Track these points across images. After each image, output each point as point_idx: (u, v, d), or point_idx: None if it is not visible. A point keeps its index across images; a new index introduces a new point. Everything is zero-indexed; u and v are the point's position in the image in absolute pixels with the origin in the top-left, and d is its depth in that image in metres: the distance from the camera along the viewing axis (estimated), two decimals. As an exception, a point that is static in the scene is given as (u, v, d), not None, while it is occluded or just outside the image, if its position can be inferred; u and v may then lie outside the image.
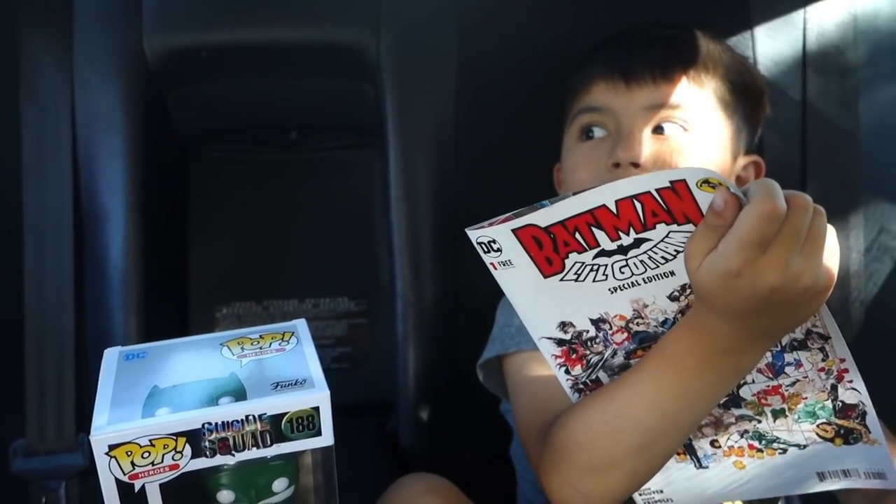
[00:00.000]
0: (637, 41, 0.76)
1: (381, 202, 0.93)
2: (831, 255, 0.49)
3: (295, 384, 0.51)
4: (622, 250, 0.50)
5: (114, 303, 0.82)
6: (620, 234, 0.50)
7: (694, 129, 0.73)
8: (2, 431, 0.83)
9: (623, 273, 0.52)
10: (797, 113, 0.90)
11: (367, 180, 0.97)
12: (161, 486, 0.48)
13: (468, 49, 0.88)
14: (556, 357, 0.57)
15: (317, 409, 0.50)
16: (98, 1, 0.85)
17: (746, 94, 0.78)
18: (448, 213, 0.87)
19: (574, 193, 0.48)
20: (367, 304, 0.98)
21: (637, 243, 0.50)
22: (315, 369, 0.52)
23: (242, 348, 0.55)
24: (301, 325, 0.58)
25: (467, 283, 0.88)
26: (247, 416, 0.49)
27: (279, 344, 0.55)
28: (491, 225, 0.51)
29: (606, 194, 0.48)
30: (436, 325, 0.86)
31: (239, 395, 0.50)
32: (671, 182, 0.47)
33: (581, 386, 0.59)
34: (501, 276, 0.53)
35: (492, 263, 0.53)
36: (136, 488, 0.48)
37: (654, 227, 0.49)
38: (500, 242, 0.51)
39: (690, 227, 0.49)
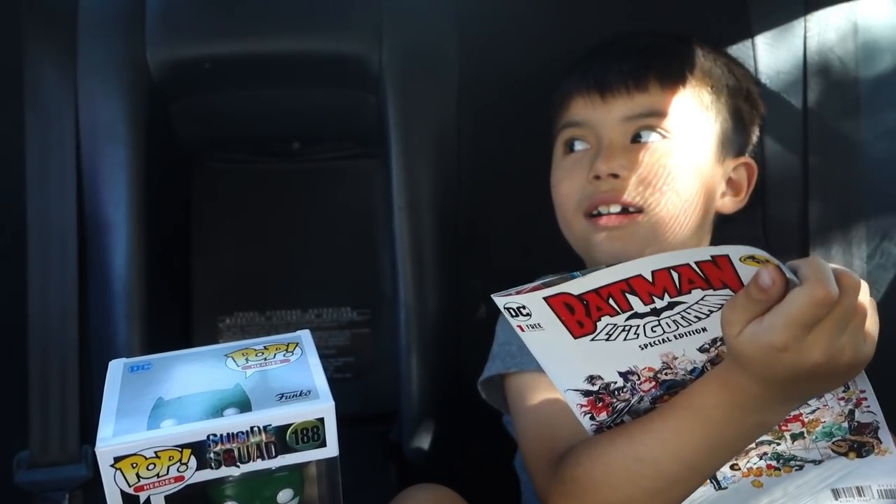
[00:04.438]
0: (611, 53, 0.77)
1: (383, 212, 0.93)
2: (873, 326, 0.50)
3: (300, 395, 0.51)
4: (655, 312, 0.50)
5: (117, 313, 0.82)
6: (654, 298, 0.49)
7: (674, 135, 0.74)
8: (5, 443, 0.82)
9: (654, 332, 0.52)
10: (798, 121, 0.90)
11: (370, 190, 0.97)
12: (166, 497, 0.48)
13: (470, 58, 0.88)
14: (582, 406, 0.58)
15: (322, 420, 0.50)
16: (102, 12, 0.85)
17: (731, 94, 0.78)
18: (450, 222, 0.88)
19: (608, 266, 0.48)
20: (369, 313, 0.98)
21: (671, 306, 0.50)
22: (320, 380, 0.52)
23: (247, 359, 0.55)
24: (305, 335, 0.58)
25: (470, 292, 0.89)
26: (252, 428, 0.49)
27: (284, 355, 0.55)
28: (519, 293, 0.51)
29: (643, 266, 0.48)
30: (439, 334, 0.86)
31: (244, 406, 0.50)
32: (712, 256, 0.47)
33: (605, 429, 0.59)
34: (529, 337, 0.53)
35: (519, 326, 0.53)
36: (142, 500, 0.48)
37: (690, 293, 0.49)
38: (529, 308, 0.51)
39: (728, 292, 0.49)
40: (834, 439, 0.58)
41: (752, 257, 0.47)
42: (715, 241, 0.80)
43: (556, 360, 0.55)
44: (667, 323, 0.51)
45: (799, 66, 0.90)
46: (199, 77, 0.86)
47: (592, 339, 0.52)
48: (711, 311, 0.50)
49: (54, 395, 0.82)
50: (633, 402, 0.57)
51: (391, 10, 0.86)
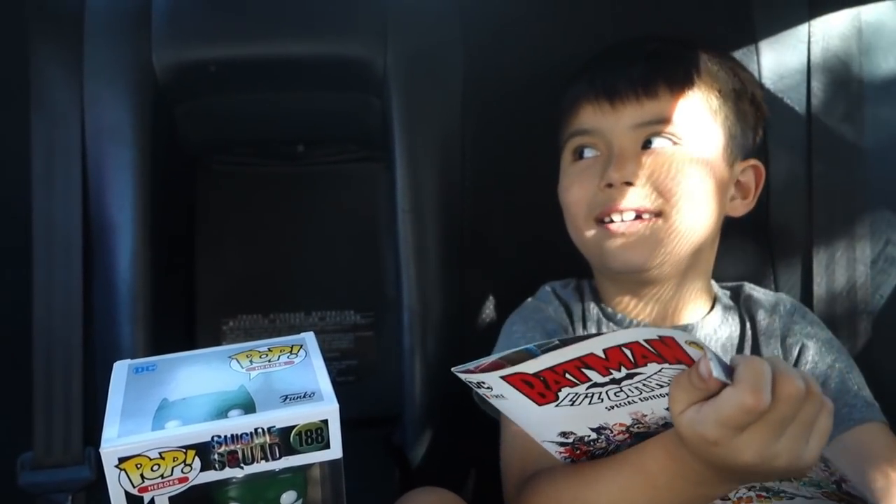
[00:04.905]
0: (618, 60, 0.77)
1: (387, 215, 0.93)
2: (821, 431, 0.49)
3: (304, 397, 0.51)
4: (615, 381, 0.51)
5: (122, 315, 0.82)
6: (611, 371, 0.50)
7: (684, 141, 0.74)
8: (9, 444, 0.83)
9: (618, 396, 0.52)
10: (802, 125, 0.90)
11: (374, 193, 0.97)
12: (170, 498, 0.49)
13: (474, 61, 0.89)
14: (561, 452, 0.59)
15: (325, 421, 0.50)
16: (108, 15, 0.86)
17: (737, 98, 0.78)
18: (454, 226, 0.88)
19: (560, 341, 0.49)
20: (373, 316, 0.98)
21: (629, 376, 0.50)
22: (324, 382, 0.52)
23: (251, 361, 0.55)
24: (310, 338, 0.58)
25: (473, 295, 0.89)
26: (256, 429, 0.49)
27: (288, 357, 0.56)
28: (478, 369, 0.52)
29: (594, 345, 0.48)
30: (442, 337, 0.86)
31: (248, 408, 0.50)
32: (660, 336, 0.48)
33: None
34: (496, 403, 0.54)
35: (486, 395, 0.54)
36: (146, 501, 0.48)
37: (646, 365, 0.50)
38: (489, 383, 0.52)
39: (683, 366, 0.49)
40: (822, 490, 0.58)
41: (695, 343, 0.47)
42: (723, 246, 0.80)
43: (527, 421, 0.56)
44: (629, 389, 0.52)
45: (803, 71, 0.90)
46: (204, 80, 0.87)
47: (557, 406, 0.53)
48: (671, 381, 0.51)
49: (58, 396, 0.82)
50: (610, 449, 0.58)
51: (396, 14, 0.86)
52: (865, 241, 0.90)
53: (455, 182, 0.88)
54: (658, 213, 0.73)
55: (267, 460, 0.49)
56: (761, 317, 0.78)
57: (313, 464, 0.51)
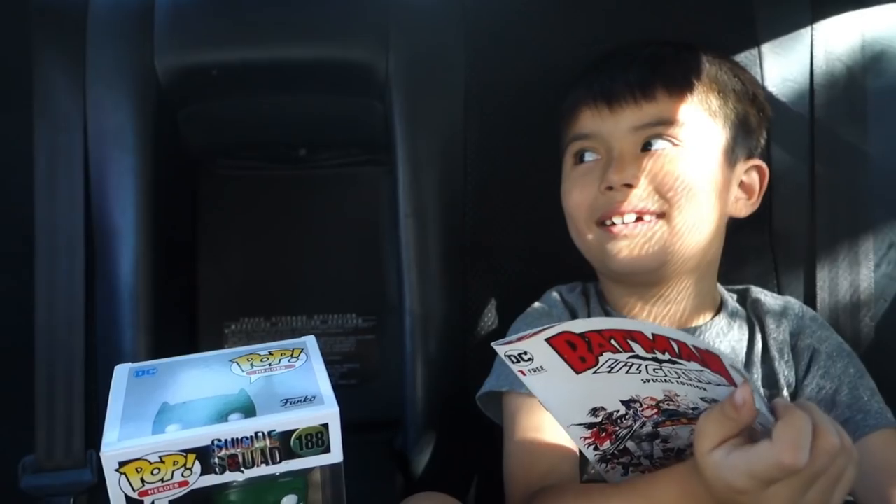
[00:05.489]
0: (616, 64, 0.77)
1: (389, 218, 0.93)
2: (846, 486, 0.49)
3: (304, 401, 0.51)
4: (656, 360, 0.51)
5: (123, 319, 0.82)
6: (656, 351, 0.50)
7: (684, 142, 0.74)
8: (11, 447, 0.83)
9: (657, 373, 0.52)
10: (805, 130, 0.89)
11: (376, 197, 0.97)
12: (171, 502, 0.48)
13: (477, 65, 0.89)
14: (585, 438, 0.58)
15: (326, 425, 0.50)
16: (111, 19, 0.86)
17: (738, 99, 0.78)
18: (457, 230, 0.88)
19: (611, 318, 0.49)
20: (375, 320, 0.98)
21: (671, 362, 0.50)
22: (324, 386, 0.52)
23: (252, 365, 0.55)
24: (310, 341, 0.58)
25: (475, 299, 0.88)
26: (256, 433, 0.49)
27: (288, 360, 0.56)
28: (521, 339, 0.52)
29: (645, 327, 0.49)
30: (444, 341, 0.86)
31: (248, 411, 0.50)
32: (708, 349, 0.48)
33: (609, 457, 0.59)
34: (531, 381, 0.54)
35: (521, 371, 0.54)
36: (146, 505, 0.48)
37: (689, 362, 0.50)
38: (531, 352, 0.52)
39: (723, 379, 0.49)
40: None
41: (738, 370, 0.47)
42: (725, 250, 0.80)
43: (559, 399, 0.56)
44: (668, 370, 0.51)
45: (806, 75, 0.90)
46: (207, 84, 0.87)
47: (595, 372, 0.53)
48: (710, 383, 0.51)
49: (60, 399, 0.82)
50: (635, 427, 0.57)
51: (398, 18, 0.86)
52: (869, 244, 0.90)
53: (457, 186, 0.88)
54: (660, 215, 0.73)
55: (267, 464, 0.49)
56: (770, 322, 0.78)
57: (314, 468, 0.51)
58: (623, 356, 0.51)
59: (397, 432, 0.89)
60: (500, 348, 0.52)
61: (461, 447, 0.86)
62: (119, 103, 0.84)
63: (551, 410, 0.57)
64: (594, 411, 0.56)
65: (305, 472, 0.51)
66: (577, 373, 0.52)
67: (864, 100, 0.90)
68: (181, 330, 0.94)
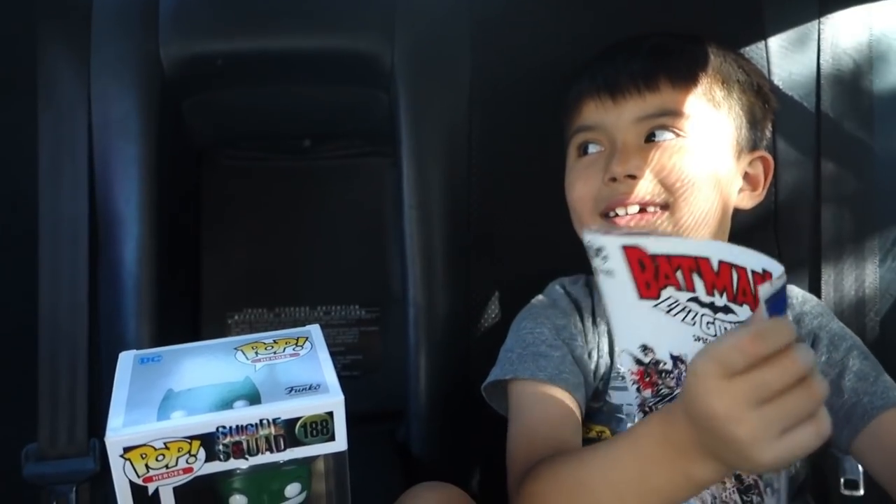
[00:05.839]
0: (619, 55, 0.77)
1: (393, 210, 0.93)
2: (797, 444, 0.46)
3: (309, 389, 0.51)
4: (713, 308, 0.51)
5: (127, 308, 0.82)
6: (716, 292, 0.50)
7: (688, 133, 0.74)
8: (14, 436, 0.83)
9: (709, 330, 0.52)
10: (811, 125, 0.89)
11: (380, 188, 0.97)
12: (175, 489, 0.48)
13: (482, 56, 0.88)
14: (633, 373, 0.58)
15: (331, 413, 0.50)
16: (116, 9, 0.86)
17: (742, 90, 0.78)
18: (461, 221, 0.87)
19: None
20: (378, 312, 0.98)
21: (726, 310, 0.51)
22: (329, 375, 0.52)
23: (257, 353, 0.55)
24: (315, 330, 0.58)
25: (479, 291, 0.88)
26: (261, 420, 0.49)
27: (293, 349, 0.56)
28: (606, 234, 0.53)
29: (713, 251, 0.49)
30: (447, 333, 0.86)
31: (253, 399, 0.50)
32: (763, 269, 0.47)
33: (647, 409, 0.59)
34: (602, 281, 0.55)
35: (596, 268, 0.55)
36: (150, 491, 0.48)
37: (742, 306, 0.50)
38: (608, 252, 0.53)
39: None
40: None
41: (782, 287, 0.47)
42: (730, 242, 0.80)
43: (619, 315, 0.56)
44: (721, 326, 0.52)
45: (812, 70, 0.89)
46: (211, 74, 0.87)
47: (655, 306, 0.53)
48: None
49: (63, 388, 0.82)
50: (675, 391, 0.57)
51: (403, 8, 0.86)
52: (874, 241, 0.89)
53: (461, 177, 0.88)
54: (664, 206, 0.73)
55: (272, 452, 0.49)
56: None
57: (318, 457, 0.51)
58: (683, 297, 0.52)
59: (400, 424, 0.89)
60: (587, 235, 0.53)
61: (464, 439, 0.86)
62: (124, 93, 0.84)
63: (613, 323, 0.57)
64: (645, 349, 0.56)
65: (309, 461, 0.51)
66: (640, 297, 0.53)
67: (870, 95, 0.90)
68: (184, 319, 0.94)
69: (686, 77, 0.74)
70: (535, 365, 0.72)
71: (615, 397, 0.74)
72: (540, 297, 0.81)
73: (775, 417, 0.46)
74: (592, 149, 0.77)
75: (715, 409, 0.47)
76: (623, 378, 0.74)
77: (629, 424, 0.73)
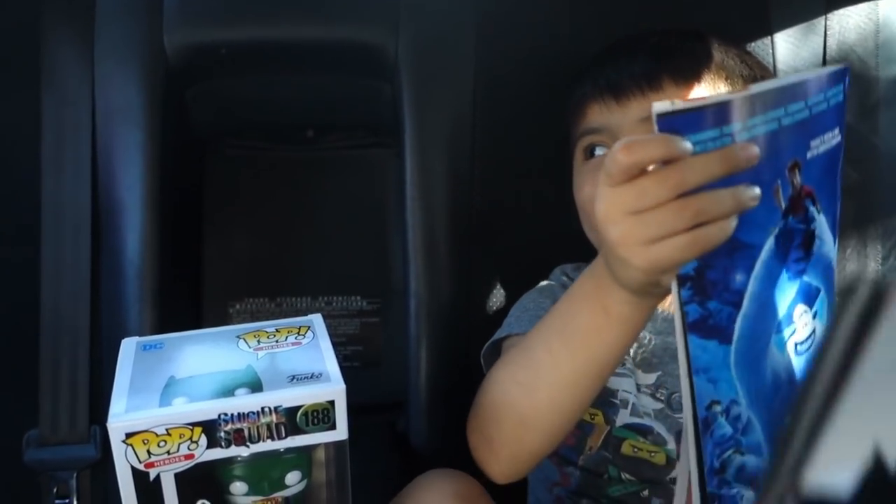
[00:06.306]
0: (620, 56, 0.77)
1: (396, 202, 0.93)
2: (676, 248, 0.47)
3: (311, 377, 0.51)
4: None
5: (129, 296, 0.82)
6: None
7: None
8: (15, 422, 0.83)
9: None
10: (816, 120, 0.89)
11: (383, 179, 0.97)
12: (176, 475, 0.49)
13: (486, 49, 0.88)
14: None
15: (332, 402, 0.50)
16: (120, -4, 0.86)
17: (746, 84, 0.77)
18: (463, 214, 0.87)
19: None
20: (379, 303, 0.98)
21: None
22: (331, 363, 0.53)
23: (259, 341, 0.55)
24: (317, 319, 0.58)
25: (481, 284, 0.88)
26: (263, 408, 0.49)
27: (295, 338, 0.56)
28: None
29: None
30: (448, 325, 0.86)
31: (255, 387, 0.50)
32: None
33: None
34: None
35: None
36: (152, 477, 0.48)
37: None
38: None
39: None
40: None
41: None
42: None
43: None
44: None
45: (818, 65, 0.89)
46: (215, 62, 0.87)
47: None
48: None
49: (65, 375, 0.82)
50: None
51: (409, 0, 0.86)
52: (877, 237, 0.89)
53: (465, 169, 0.88)
54: None
55: (273, 439, 0.50)
56: None
57: (318, 445, 0.51)
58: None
59: (400, 414, 0.89)
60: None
61: (464, 430, 0.86)
62: (127, 80, 0.84)
63: None
64: None
65: (310, 449, 0.51)
66: None
67: (877, 91, 0.89)
68: (186, 308, 0.94)
69: (689, 75, 0.74)
70: (532, 324, 0.72)
71: (611, 382, 0.74)
72: (543, 282, 0.82)
73: (646, 224, 0.48)
74: (599, 151, 0.76)
75: (598, 212, 0.50)
76: (623, 364, 0.74)
77: (623, 411, 0.73)
